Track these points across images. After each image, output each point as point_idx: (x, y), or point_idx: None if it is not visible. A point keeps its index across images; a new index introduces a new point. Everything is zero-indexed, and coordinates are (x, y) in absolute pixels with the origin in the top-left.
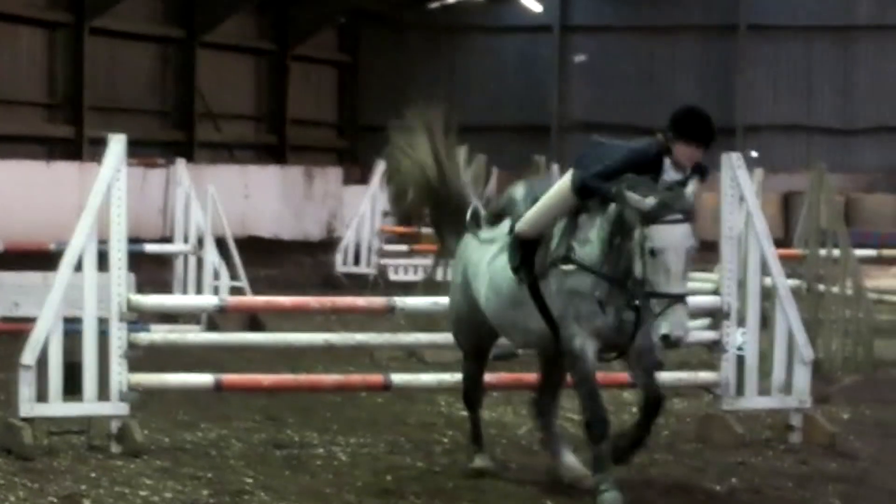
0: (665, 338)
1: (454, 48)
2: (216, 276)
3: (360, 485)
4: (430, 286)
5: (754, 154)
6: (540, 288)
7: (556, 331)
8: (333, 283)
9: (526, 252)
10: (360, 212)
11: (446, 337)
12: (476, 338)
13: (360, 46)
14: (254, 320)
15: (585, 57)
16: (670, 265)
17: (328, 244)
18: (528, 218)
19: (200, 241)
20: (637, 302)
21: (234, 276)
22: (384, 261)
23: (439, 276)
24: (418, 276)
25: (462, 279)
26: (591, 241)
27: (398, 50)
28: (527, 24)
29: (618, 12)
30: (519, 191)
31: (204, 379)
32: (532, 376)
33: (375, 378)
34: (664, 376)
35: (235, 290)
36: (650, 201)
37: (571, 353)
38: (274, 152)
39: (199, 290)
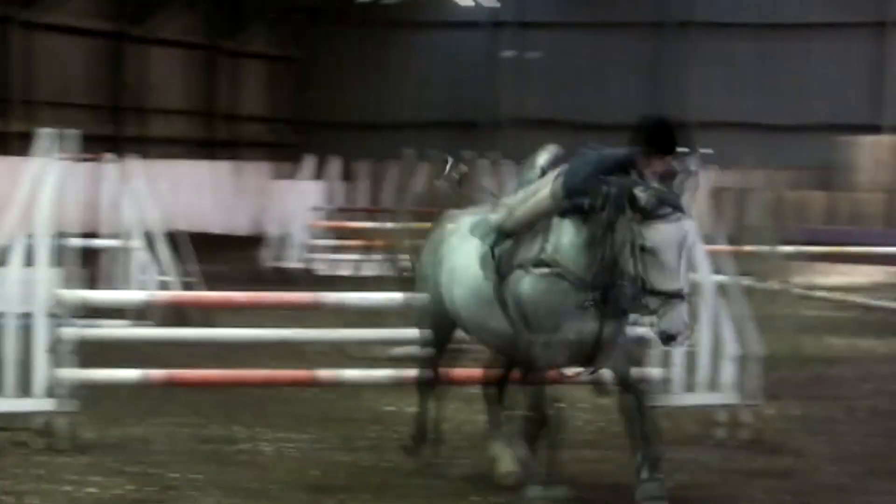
0: (665, 335)
1: (387, 44)
2: (145, 270)
3: (286, 479)
4: (357, 281)
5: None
6: (505, 288)
7: (517, 332)
8: (262, 278)
9: (498, 248)
10: (290, 207)
11: (373, 333)
12: (439, 327)
13: (292, 42)
14: (182, 315)
15: (515, 53)
16: (667, 262)
17: (257, 239)
18: (511, 211)
19: (129, 236)
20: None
21: (162, 272)
22: (312, 255)
23: (367, 271)
24: (346, 271)
25: (434, 264)
26: (564, 245)
27: (331, 45)
28: (460, 21)
29: (559, 9)
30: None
31: (131, 374)
32: (459, 372)
33: (302, 373)
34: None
35: (164, 285)
36: (647, 196)
37: (528, 359)
38: (204, 147)
39: (127, 285)
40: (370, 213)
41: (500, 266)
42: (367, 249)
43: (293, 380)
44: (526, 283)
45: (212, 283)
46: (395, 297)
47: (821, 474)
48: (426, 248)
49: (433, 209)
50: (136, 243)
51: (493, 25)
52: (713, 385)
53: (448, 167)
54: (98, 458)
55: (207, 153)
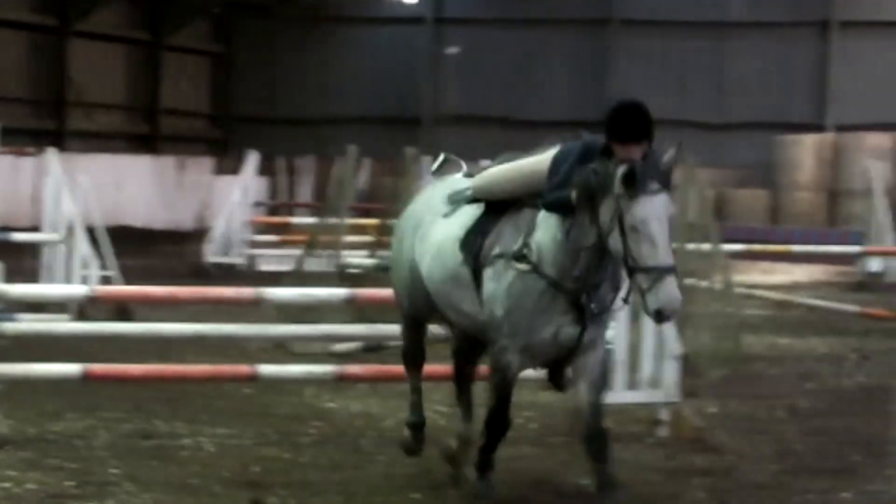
0: (658, 313)
1: (328, 39)
2: (86, 265)
3: (227, 476)
4: (299, 277)
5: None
6: (481, 277)
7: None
8: (204, 274)
9: (480, 232)
10: (231, 202)
11: (315, 328)
12: (411, 304)
13: (233, 37)
14: (123, 310)
15: (457, 49)
16: (655, 235)
17: (199, 234)
18: (488, 177)
19: (70, 230)
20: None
21: (104, 266)
22: (254, 251)
23: (308, 267)
24: (287, 267)
25: (410, 237)
26: (545, 242)
27: (272, 40)
28: (400, 16)
29: (491, 5)
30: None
31: (71, 369)
32: (401, 368)
33: (243, 369)
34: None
35: (105, 280)
36: (630, 169)
37: (496, 365)
38: (146, 142)
39: (68, 280)
40: (312, 209)
41: (478, 253)
42: (308, 245)
43: (235, 375)
44: (504, 280)
45: (154, 278)
46: (337, 292)
47: (762, 473)
48: (403, 217)
49: (375, 205)
50: (77, 238)
51: (433, 21)
52: (655, 383)
53: (438, 163)
54: (37, 455)
55: (149, 148)
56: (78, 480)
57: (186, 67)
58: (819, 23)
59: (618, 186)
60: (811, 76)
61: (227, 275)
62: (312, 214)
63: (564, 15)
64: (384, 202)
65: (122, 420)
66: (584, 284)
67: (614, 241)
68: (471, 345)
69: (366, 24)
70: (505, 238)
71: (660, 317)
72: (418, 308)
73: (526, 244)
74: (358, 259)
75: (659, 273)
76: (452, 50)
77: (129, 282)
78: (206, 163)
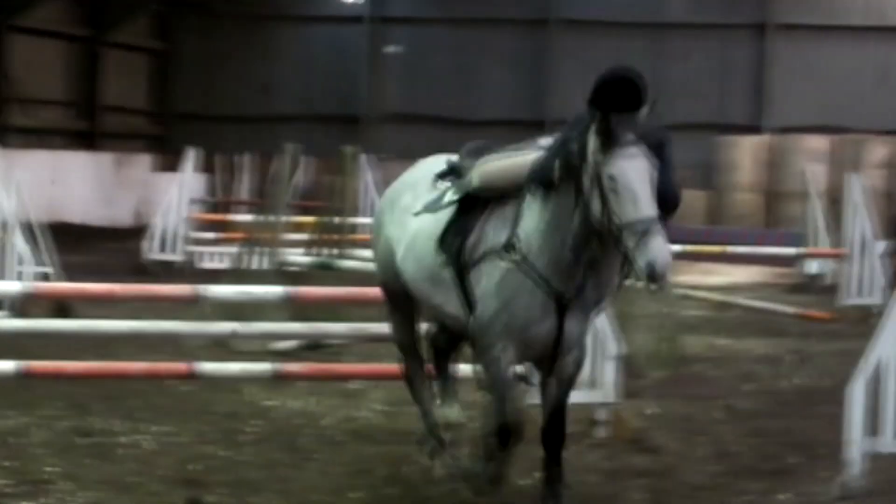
0: (650, 270)
1: (268, 37)
2: (22, 261)
3: (165, 474)
4: (237, 274)
5: None
6: (467, 278)
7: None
8: (142, 270)
9: (460, 230)
10: (171, 199)
11: (254, 326)
12: (393, 283)
13: (174, 34)
14: (61, 307)
15: (397, 48)
16: (635, 189)
17: (138, 231)
18: (489, 171)
19: (6, 227)
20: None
21: (42, 263)
22: (192, 248)
23: (247, 264)
24: (226, 264)
25: (388, 216)
26: (533, 232)
27: (212, 38)
28: (341, 15)
29: (431, 5)
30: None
31: (6, 366)
32: (340, 367)
33: (182, 366)
34: (467, 369)
35: (43, 277)
36: (603, 121)
37: (486, 360)
38: (85, 138)
39: (4, 276)
40: (251, 207)
41: (460, 252)
42: (248, 242)
43: (173, 373)
44: (495, 275)
45: (92, 275)
46: (276, 290)
47: (700, 474)
48: (385, 194)
49: (315, 203)
50: (14, 234)
51: (373, 20)
52: (594, 383)
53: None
54: None
55: (88, 144)
56: (14, 479)
57: (126, 64)
58: (756, 25)
59: (593, 145)
60: (749, 78)
61: (167, 272)
62: (252, 212)
63: (504, 15)
64: (323, 200)
65: (59, 417)
66: (572, 276)
67: (595, 206)
68: (453, 332)
69: (306, 23)
70: (490, 234)
71: (653, 275)
72: (394, 288)
73: (514, 234)
74: (297, 257)
75: (644, 226)
76: (392, 49)
77: (67, 279)
78: (146, 159)
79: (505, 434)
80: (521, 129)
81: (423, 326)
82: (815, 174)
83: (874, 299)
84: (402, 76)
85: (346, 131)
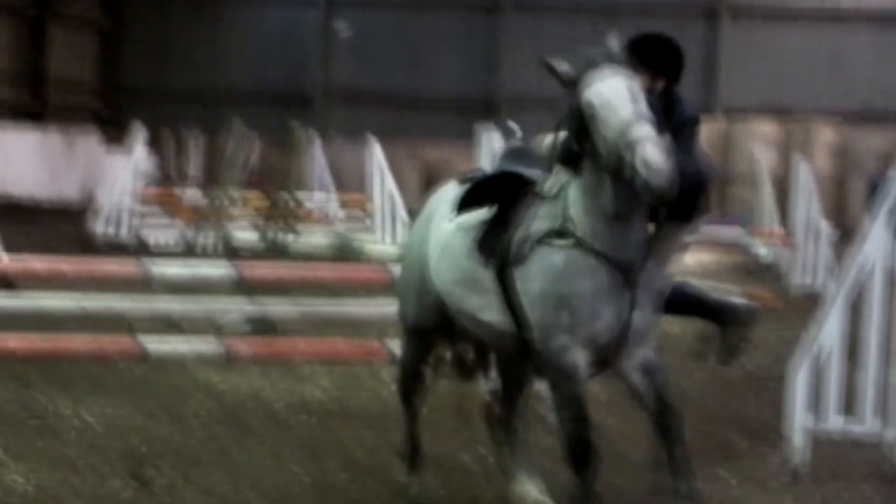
0: (648, 177)
1: (218, 15)
2: None
3: (113, 454)
4: (187, 254)
5: (513, 126)
6: (512, 277)
7: (521, 328)
8: (91, 248)
9: (501, 228)
10: (119, 176)
11: (204, 305)
12: (419, 312)
13: (123, 9)
14: (7, 283)
15: (349, 28)
16: (617, 106)
17: (87, 208)
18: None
19: None
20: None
21: None
22: (141, 225)
23: (196, 242)
24: (176, 242)
25: (421, 235)
26: (580, 213)
27: (162, 14)
28: None
29: None
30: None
31: None
32: (290, 348)
33: (131, 346)
34: None
35: None
36: (584, 59)
37: (559, 371)
38: (33, 114)
39: None
40: (201, 184)
41: (507, 250)
42: (197, 220)
43: (120, 351)
44: (552, 267)
45: (40, 252)
46: (227, 270)
47: (621, 456)
48: (418, 220)
49: (263, 181)
50: None
51: (326, 1)
52: None
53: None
54: None
55: (36, 120)
56: None
57: (75, 39)
58: (708, 8)
59: (581, 90)
60: (700, 61)
61: (114, 249)
62: (201, 189)
63: None
64: (272, 178)
65: (5, 397)
66: (626, 243)
67: (597, 145)
68: (511, 362)
69: (257, 1)
70: (540, 225)
71: (647, 186)
72: (427, 313)
73: (565, 217)
74: (246, 235)
75: (633, 135)
76: (343, 28)
77: (13, 255)
78: (94, 136)
79: (585, 460)
80: (471, 110)
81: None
82: (765, 159)
83: (822, 283)
84: (352, 56)
85: (296, 110)
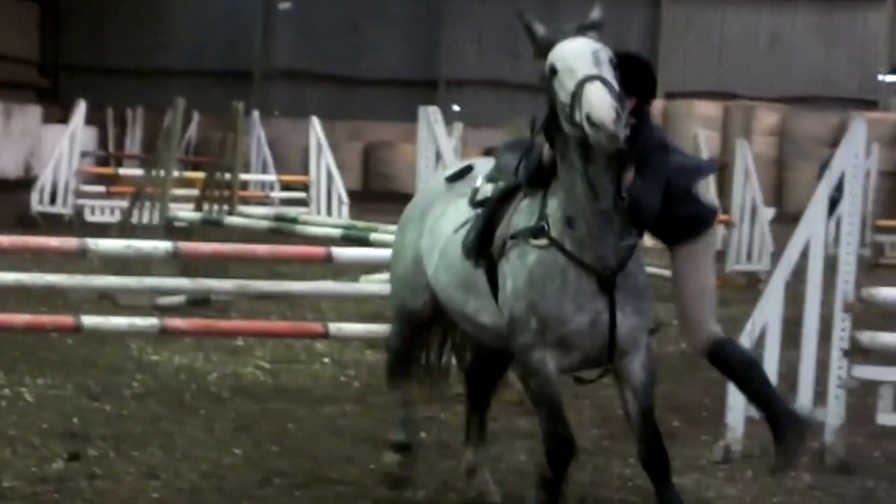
0: (588, 121)
1: None
2: None
3: (46, 427)
4: (125, 229)
5: (456, 108)
6: (498, 273)
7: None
8: (29, 223)
9: (487, 225)
10: (59, 151)
11: (140, 280)
12: (412, 300)
13: None
14: None
15: (290, 5)
16: (572, 64)
17: (25, 183)
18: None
19: None
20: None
21: None
22: (81, 201)
23: (135, 219)
24: (115, 218)
25: (416, 229)
26: (559, 206)
27: None
28: None
29: None
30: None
31: None
32: (226, 323)
33: (66, 319)
34: (354, 328)
35: None
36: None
37: (526, 367)
38: None
39: None
40: (140, 161)
41: (482, 243)
42: (136, 197)
43: (57, 325)
44: (525, 265)
45: None
46: (163, 245)
47: (584, 437)
48: (410, 204)
49: (204, 159)
50: None
51: None
52: None
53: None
54: None
55: None
56: None
57: (14, 13)
58: None
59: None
60: (642, 43)
61: (54, 224)
62: (141, 166)
63: None
64: (213, 156)
65: None
66: (602, 243)
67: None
68: (491, 358)
69: None
70: (517, 222)
71: (593, 126)
72: (420, 302)
73: (542, 216)
74: (186, 212)
75: (579, 83)
76: (285, 5)
77: None
78: (36, 111)
79: (560, 456)
80: (413, 89)
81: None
82: (706, 140)
83: (762, 265)
84: (294, 34)
85: (237, 87)
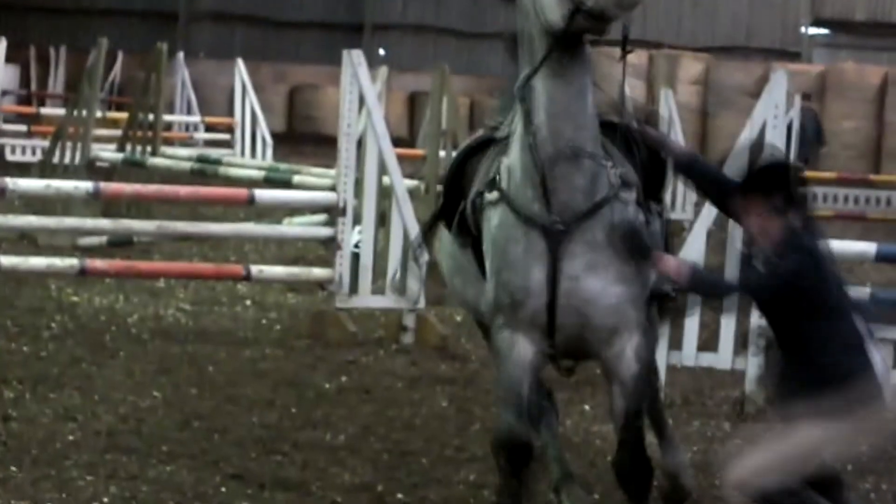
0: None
1: None
2: None
3: None
4: (46, 169)
5: (381, 52)
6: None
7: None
8: None
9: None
10: None
11: (59, 221)
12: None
13: None
14: None
15: None
16: None
17: None
18: None
19: None
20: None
21: None
22: (2, 140)
23: (56, 158)
24: (36, 158)
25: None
26: (514, 161)
27: None
28: None
29: None
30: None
31: None
32: (147, 265)
33: None
34: (276, 271)
35: None
36: None
37: (494, 350)
38: None
39: None
40: (63, 100)
41: (449, 208)
42: (57, 137)
43: None
44: (487, 229)
45: None
46: (84, 185)
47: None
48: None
49: (127, 99)
50: None
51: None
52: (401, 289)
53: None
54: None
55: None
56: None
57: None
58: None
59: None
60: None
61: None
62: (63, 106)
63: None
64: (136, 96)
65: None
66: (549, 190)
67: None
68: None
69: None
70: (481, 179)
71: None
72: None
73: (496, 168)
74: (107, 153)
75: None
76: None
77: None
78: None
79: (505, 451)
80: (338, 32)
81: None
82: (633, 89)
83: (686, 215)
84: None
85: (162, 28)
